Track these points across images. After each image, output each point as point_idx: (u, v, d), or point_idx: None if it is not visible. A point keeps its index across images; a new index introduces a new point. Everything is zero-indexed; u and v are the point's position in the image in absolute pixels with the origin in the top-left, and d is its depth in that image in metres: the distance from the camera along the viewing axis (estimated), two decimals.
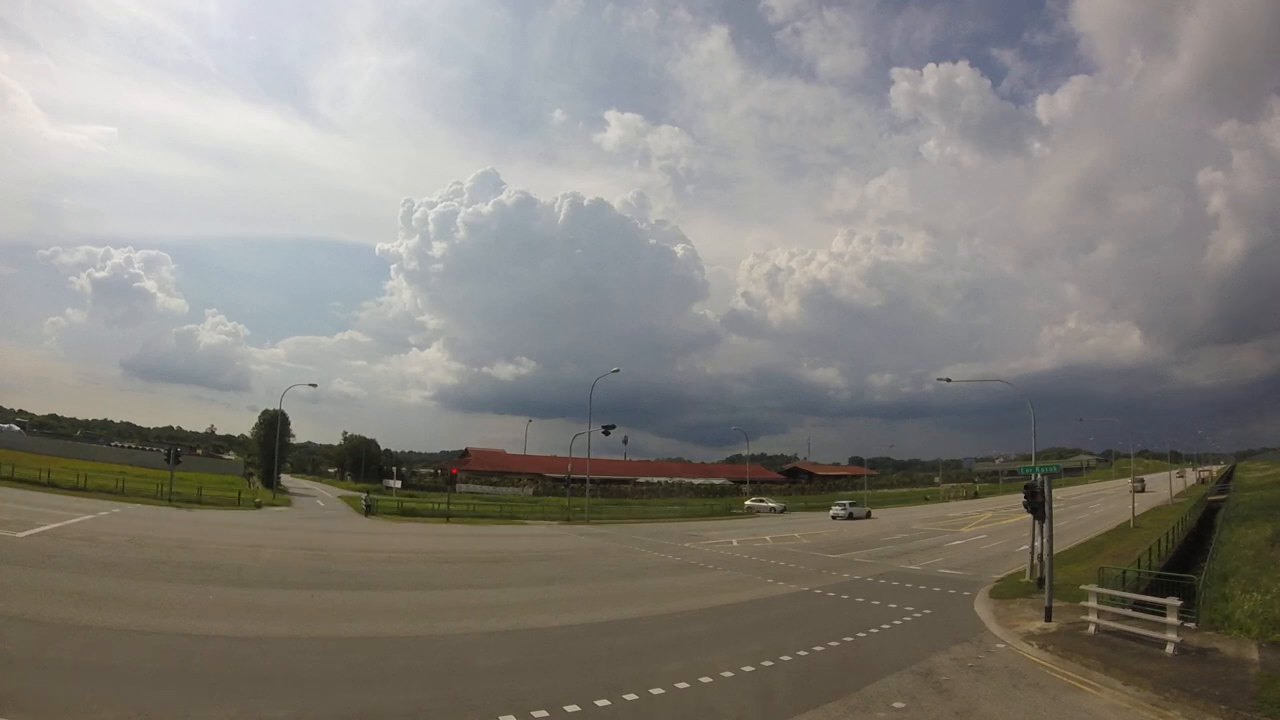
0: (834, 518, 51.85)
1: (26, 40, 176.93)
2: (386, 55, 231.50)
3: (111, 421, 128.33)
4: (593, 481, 58.71)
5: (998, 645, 13.77)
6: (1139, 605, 14.29)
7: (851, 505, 54.72)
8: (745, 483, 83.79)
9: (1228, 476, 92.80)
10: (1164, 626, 13.18)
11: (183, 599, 13.68)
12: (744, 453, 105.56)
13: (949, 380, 48.79)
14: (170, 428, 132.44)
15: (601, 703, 9.35)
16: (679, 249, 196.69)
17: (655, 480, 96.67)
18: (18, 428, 77.97)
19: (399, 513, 43.31)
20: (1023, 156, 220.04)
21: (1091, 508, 53.90)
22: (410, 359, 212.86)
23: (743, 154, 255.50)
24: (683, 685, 10.31)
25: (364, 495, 47.15)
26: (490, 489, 77.88)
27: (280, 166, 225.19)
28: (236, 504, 39.06)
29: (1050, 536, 16.47)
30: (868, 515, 54.14)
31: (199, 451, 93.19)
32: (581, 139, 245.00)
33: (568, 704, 9.15)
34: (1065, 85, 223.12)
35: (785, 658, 12.19)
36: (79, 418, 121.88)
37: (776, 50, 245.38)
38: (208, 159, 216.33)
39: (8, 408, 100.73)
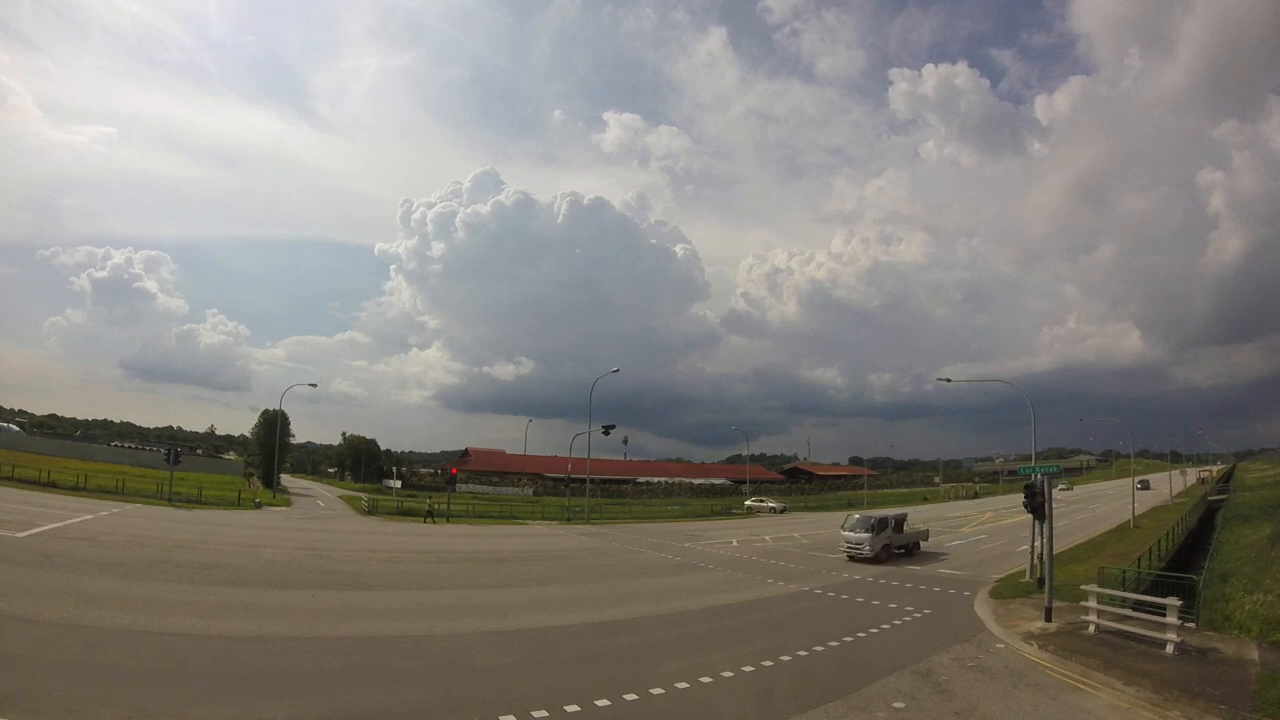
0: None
1: (27, 41, 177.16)
2: (386, 56, 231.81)
3: (111, 421, 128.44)
4: (593, 481, 58.70)
5: (998, 645, 13.77)
6: (1139, 605, 14.31)
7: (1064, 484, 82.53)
8: (745, 483, 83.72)
9: (1228, 477, 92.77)
10: (1164, 626, 13.19)
11: (183, 599, 13.69)
12: (744, 453, 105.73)
13: (949, 380, 48.72)
14: (170, 428, 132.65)
15: (602, 703, 9.36)
16: (679, 249, 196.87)
17: (655, 480, 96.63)
18: (17, 428, 77.90)
19: (399, 513, 43.05)
20: (1022, 157, 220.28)
21: (1092, 507, 53.92)
22: (410, 359, 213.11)
23: (742, 154, 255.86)
24: (683, 685, 10.32)
25: (428, 499, 43.66)
26: (490, 489, 77.87)
27: (280, 167, 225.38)
28: (236, 504, 39.03)
29: (1050, 536, 16.48)
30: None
31: (199, 451, 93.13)
32: (580, 139, 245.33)
33: (568, 704, 9.16)
34: (1064, 85, 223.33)
35: (785, 658, 12.20)
36: (79, 418, 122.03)
37: (775, 51, 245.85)
38: (208, 159, 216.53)
39: (8, 408, 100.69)
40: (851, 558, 26.25)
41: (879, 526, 26.99)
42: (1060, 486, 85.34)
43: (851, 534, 27.05)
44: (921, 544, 30.02)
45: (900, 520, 28.69)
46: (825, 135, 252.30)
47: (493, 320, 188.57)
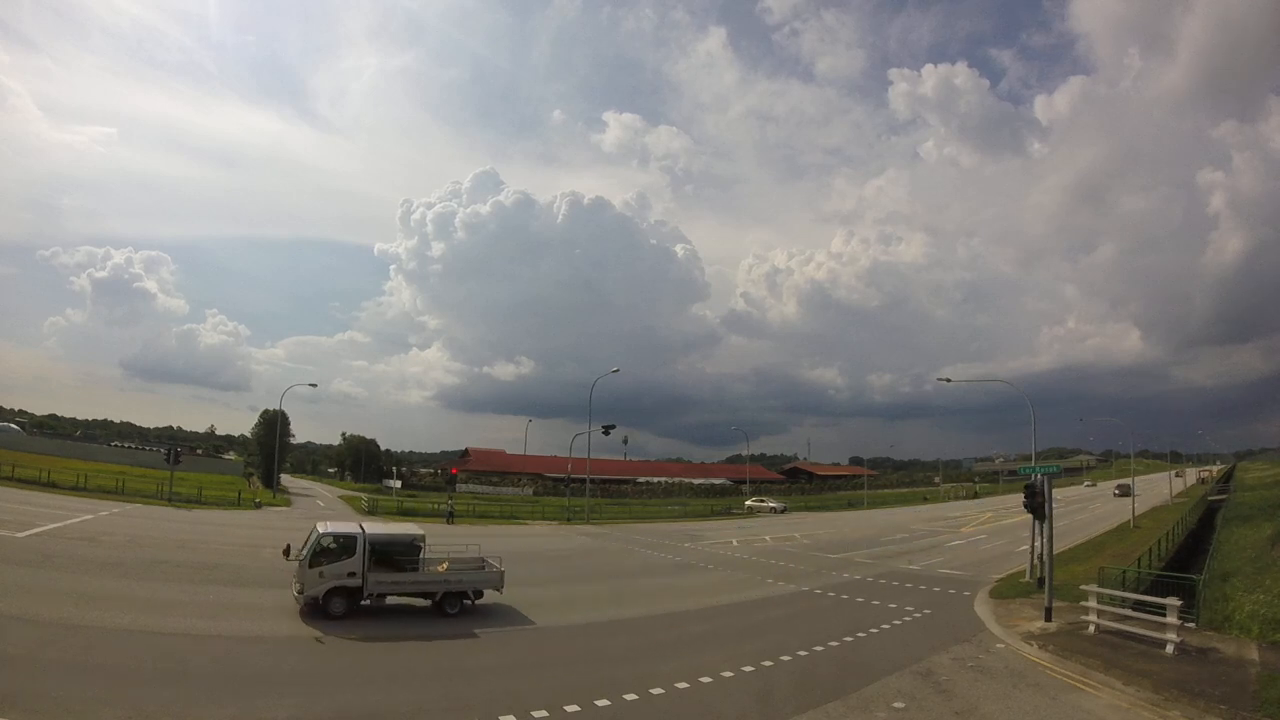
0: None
1: (26, 41, 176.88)
2: (386, 56, 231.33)
3: (111, 421, 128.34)
4: (593, 481, 58.67)
5: (998, 645, 13.77)
6: (1139, 605, 14.31)
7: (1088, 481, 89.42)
8: (745, 483, 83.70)
9: (1228, 476, 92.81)
10: (1164, 626, 13.19)
11: (183, 599, 13.70)
12: (744, 453, 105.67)
13: (949, 380, 48.69)
14: (170, 428, 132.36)
15: (602, 703, 9.36)
16: (679, 249, 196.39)
17: (655, 480, 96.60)
18: (17, 428, 77.87)
19: (399, 512, 42.92)
20: (1021, 157, 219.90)
21: (1092, 507, 53.91)
22: (410, 359, 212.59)
23: (741, 154, 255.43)
24: (683, 685, 10.32)
25: (448, 502, 42.19)
26: (490, 489, 77.87)
27: (280, 167, 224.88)
28: (236, 504, 39.01)
29: (1050, 536, 16.47)
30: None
31: (199, 451, 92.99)
32: (580, 139, 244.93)
33: (568, 704, 9.16)
34: (1063, 85, 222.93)
35: (785, 658, 12.21)
36: (79, 418, 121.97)
37: (774, 51, 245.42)
38: (208, 159, 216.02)
39: (8, 408, 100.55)
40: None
41: (323, 554, 13.89)
42: (1085, 483, 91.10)
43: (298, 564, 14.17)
44: (485, 594, 15.29)
45: (404, 547, 15.15)
46: (825, 135, 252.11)
47: (493, 320, 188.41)
